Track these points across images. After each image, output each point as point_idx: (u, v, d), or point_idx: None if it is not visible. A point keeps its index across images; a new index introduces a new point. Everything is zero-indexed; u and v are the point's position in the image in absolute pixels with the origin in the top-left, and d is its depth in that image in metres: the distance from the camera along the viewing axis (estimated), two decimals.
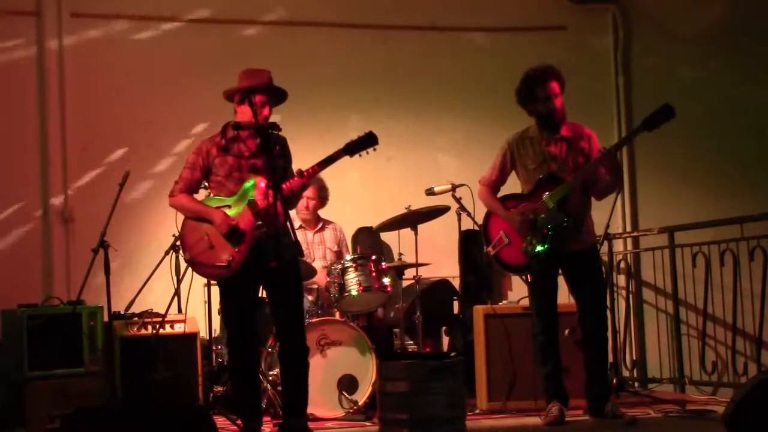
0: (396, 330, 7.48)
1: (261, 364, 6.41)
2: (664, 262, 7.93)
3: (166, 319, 6.58)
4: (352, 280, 6.77)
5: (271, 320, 5.99)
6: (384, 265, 6.91)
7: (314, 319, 6.68)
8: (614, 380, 6.92)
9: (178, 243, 6.41)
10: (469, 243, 7.49)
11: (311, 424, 5.82)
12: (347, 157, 5.65)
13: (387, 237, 7.80)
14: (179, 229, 5.84)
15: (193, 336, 6.74)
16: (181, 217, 5.83)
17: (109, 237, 6.39)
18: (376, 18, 8.76)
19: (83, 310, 6.53)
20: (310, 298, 6.98)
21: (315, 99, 8.22)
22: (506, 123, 6.54)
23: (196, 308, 6.92)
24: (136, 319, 6.63)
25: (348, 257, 6.98)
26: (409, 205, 7.10)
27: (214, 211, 5.60)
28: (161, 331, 6.53)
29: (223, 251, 5.55)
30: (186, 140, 7.93)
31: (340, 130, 7.44)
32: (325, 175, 6.34)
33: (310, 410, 5.82)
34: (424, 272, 7.35)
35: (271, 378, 6.50)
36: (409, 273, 7.36)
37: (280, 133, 5.57)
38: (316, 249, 7.34)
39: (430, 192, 7.09)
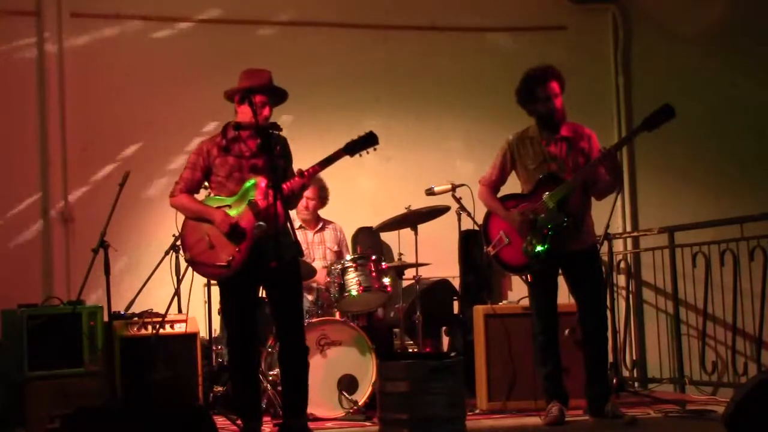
0: (396, 330, 7.48)
1: (261, 364, 6.41)
2: (664, 262, 7.93)
3: (166, 319, 6.57)
4: (352, 280, 6.77)
5: (271, 320, 5.99)
6: (384, 265, 6.91)
7: (314, 319, 6.68)
8: (614, 380, 6.92)
9: (178, 243, 6.42)
10: (469, 243, 7.49)
11: (311, 424, 5.82)
12: (347, 157, 5.66)
13: (387, 237, 7.80)
14: (179, 229, 5.84)
15: (193, 336, 6.74)
16: (181, 217, 5.83)
17: (109, 237, 6.39)
18: (376, 18, 8.76)
19: (83, 310, 6.53)
20: (310, 297, 6.98)
21: (315, 99, 8.23)
22: (506, 123, 6.55)
23: (196, 308, 6.91)
24: (136, 319, 6.63)
25: (348, 257, 6.98)
26: (409, 205, 7.10)
27: (214, 211, 5.60)
28: (161, 331, 6.53)
29: (224, 251, 5.55)
30: (186, 140, 7.92)
31: (341, 130, 7.43)
32: (325, 175, 6.34)
33: (310, 410, 5.82)
34: (424, 272, 7.35)
35: (271, 378, 6.50)
36: (409, 273, 7.36)
37: (280, 133, 5.58)
38: (316, 249, 7.34)
39: (430, 192, 7.09)
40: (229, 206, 5.60)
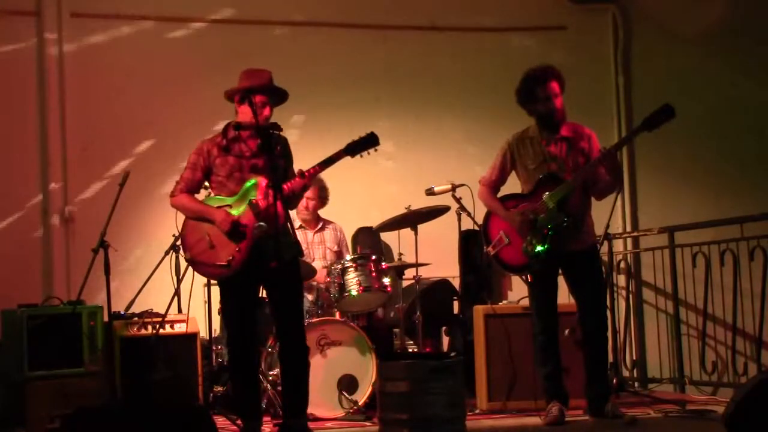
0: (396, 330, 7.48)
1: (261, 364, 6.41)
2: (664, 262, 7.93)
3: (166, 319, 6.58)
4: (352, 280, 6.77)
5: (271, 320, 5.99)
6: (384, 265, 6.91)
7: (314, 319, 6.68)
8: (614, 380, 6.92)
9: (178, 243, 6.42)
10: (469, 243, 7.49)
11: (311, 424, 5.82)
12: (348, 158, 5.66)
13: (387, 237, 7.80)
14: (180, 229, 5.84)
15: (193, 336, 6.74)
16: (181, 217, 5.83)
17: (109, 237, 6.39)
18: (376, 18, 8.76)
19: (83, 310, 6.53)
20: (310, 297, 6.98)
21: (315, 99, 8.23)
22: (506, 123, 6.54)
23: (196, 308, 6.91)
24: (136, 319, 6.63)
25: (348, 257, 6.98)
26: (409, 205, 7.10)
27: (215, 211, 5.60)
28: (161, 331, 6.53)
29: (224, 251, 5.55)
30: (186, 140, 7.90)
31: (341, 130, 7.43)
32: (325, 175, 6.33)
33: (310, 410, 5.81)
34: (424, 272, 7.35)
35: (271, 378, 6.50)
36: (409, 273, 7.36)
37: (281, 133, 5.58)
38: (316, 249, 7.34)
39: (430, 192, 7.09)
40: (230, 206, 5.60)
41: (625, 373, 8.19)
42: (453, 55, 8.91)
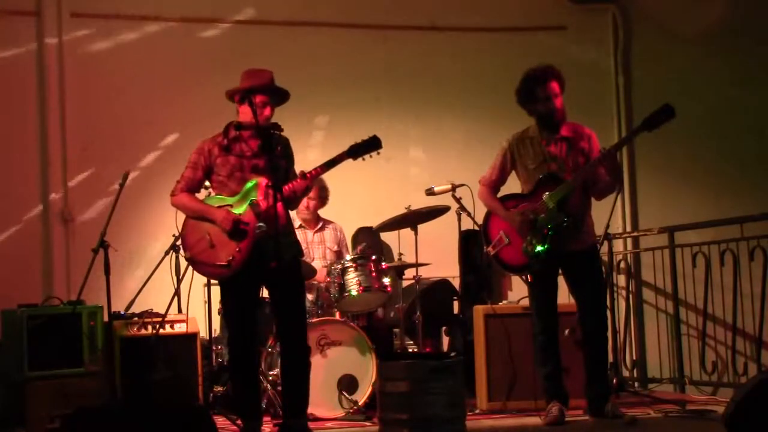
0: (396, 330, 7.48)
1: (261, 364, 6.41)
2: (664, 262, 7.93)
3: (166, 319, 6.57)
4: (352, 280, 6.77)
5: (271, 320, 5.99)
6: (384, 265, 6.91)
7: (314, 319, 6.68)
8: (614, 380, 6.92)
9: (178, 243, 6.42)
10: (469, 243, 7.49)
11: (311, 424, 5.82)
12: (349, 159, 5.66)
13: (387, 237, 7.79)
14: (180, 229, 5.84)
15: (193, 336, 6.74)
16: (181, 217, 5.83)
17: (109, 237, 6.39)
18: (376, 18, 8.76)
19: (83, 310, 6.53)
20: (310, 296, 6.98)
21: (315, 99, 8.23)
22: (506, 123, 6.54)
23: (196, 308, 6.91)
24: (136, 319, 6.63)
25: (348, 257, 6.98)
26: (409, 205, 7.10)
27: (215, 210, 5.60)
28: (161, 331, 6.53)
29: (224, 250, 5.55)
30: (187, 140, 7.91)
31: (341, 130, 7.45)
32: (326, 175, 6.32)
33: (310, 410, 5.81)
34: (424, 272, 7.35)
35: (271, 378, 6.50)
36: (409, 273, 7.36)
37: (282, 133, 5.58)
38: (316, 249, 7.34)
39: (430, 192, 7.09)
40: (231, 206, 5.60)
41: (625, 373, 8.19)
42: (453, 55, 8.91)
